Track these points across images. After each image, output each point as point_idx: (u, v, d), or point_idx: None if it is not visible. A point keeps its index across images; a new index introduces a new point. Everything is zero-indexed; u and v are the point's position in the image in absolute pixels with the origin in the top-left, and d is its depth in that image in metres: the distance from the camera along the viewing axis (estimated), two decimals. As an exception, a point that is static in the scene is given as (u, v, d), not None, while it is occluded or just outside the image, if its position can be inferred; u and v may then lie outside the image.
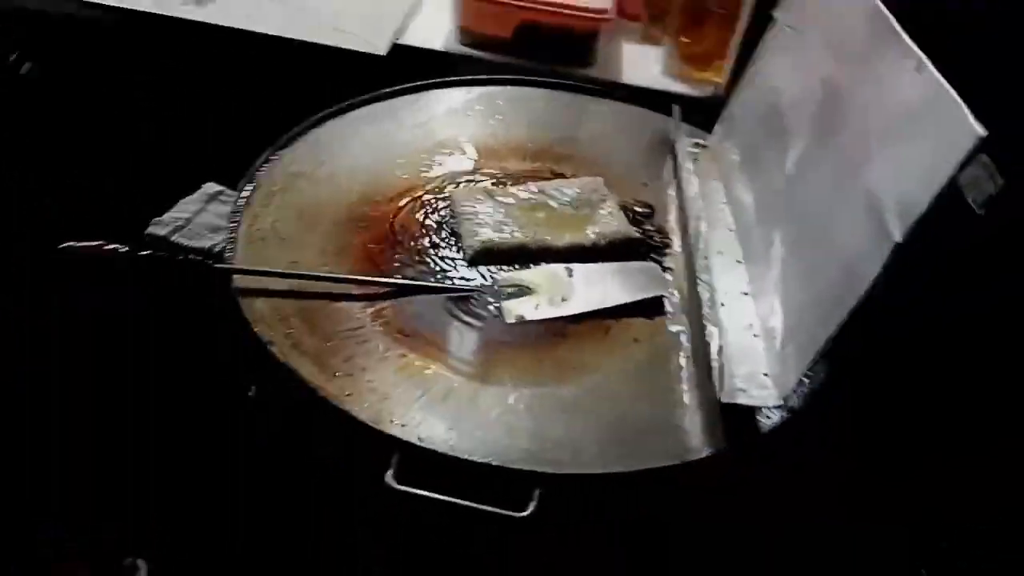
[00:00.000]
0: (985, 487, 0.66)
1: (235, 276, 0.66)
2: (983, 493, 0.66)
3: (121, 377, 0.85)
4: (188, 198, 0.80)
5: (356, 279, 0.69)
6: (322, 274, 0.69)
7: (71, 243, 0.63)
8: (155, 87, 1.02)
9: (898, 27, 0.59)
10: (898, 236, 0.52)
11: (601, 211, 0.78)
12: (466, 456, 0.56)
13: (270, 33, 0.97)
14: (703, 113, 0.92)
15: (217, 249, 0.71)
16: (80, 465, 0.84)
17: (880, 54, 0.61)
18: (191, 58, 1.00)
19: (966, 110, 0.50)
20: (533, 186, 0.80)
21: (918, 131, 0.54)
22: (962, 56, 0.53)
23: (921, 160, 0.52)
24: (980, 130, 0.48)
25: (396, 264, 0.72)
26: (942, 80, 0.53)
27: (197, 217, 0.77)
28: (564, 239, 0.75)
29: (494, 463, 0.56)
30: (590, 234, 0.76)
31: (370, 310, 0.67)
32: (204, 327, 0.75)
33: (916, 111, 0.55)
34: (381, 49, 0.98)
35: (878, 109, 0.60)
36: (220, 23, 0.98)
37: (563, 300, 0.71)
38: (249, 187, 0.76)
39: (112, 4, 0.98)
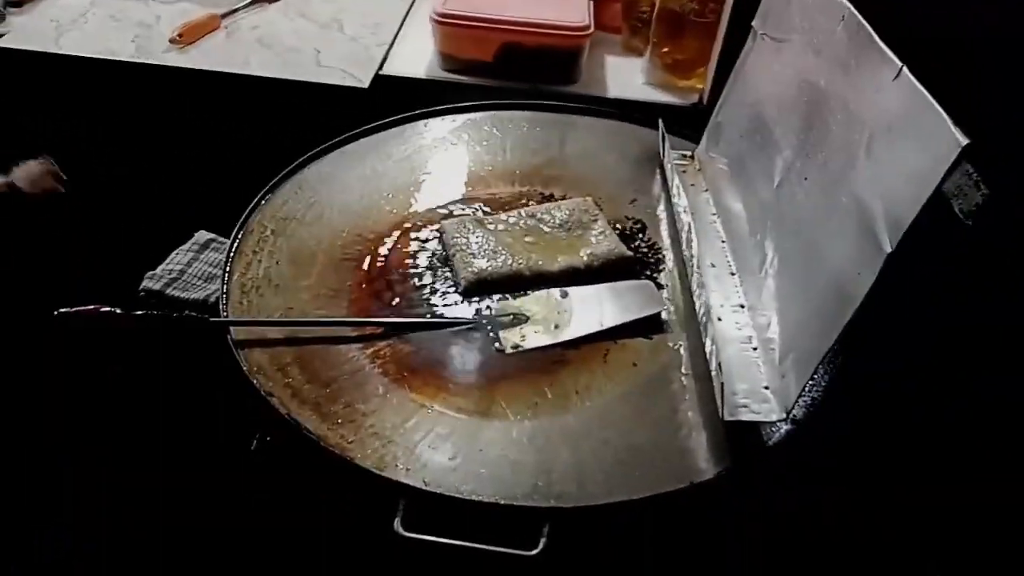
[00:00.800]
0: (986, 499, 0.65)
1: (231, 328, 0.66)
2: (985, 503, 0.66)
3: (124, 432, 0.85)
4: (180, 248, 0.81)
5: (351, 321, 0.69)
6: (317, 319, 0.69)
7: (66, 309, 0.62)
8: (140, 135, 1.02)
9: (877, 38, 0.59)
10: (889, 247, 0.52)
11: (593, 231, 0.78)
12: (472, 497, 0.56)
13: (253, 74, 0.98)
14: (688, 121, 0.91)
15: (212, 300, 0.71)
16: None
17: (860, 64, 0.61)
18: (174, 104, 1.00)
19: (947, 119, 0.50)
20: (523, 211, 0.80)
21: (901, 141, 0.54)
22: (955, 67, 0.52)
23: (906, 170, 0.52)
24: (962, 139, 0.48)
25: (392, 301, 0.71)
26: (921, 89, 0.53)
27: (190, 267, 0.77)
28: (558, 263, 0.75)
29: (501, 502, 0.56)
30: (583, 256, 0.76)
31: (368, 351, 0.67)
32: (204, 379, 0.75)
33: (898, 121, 0.55)
34: (364, 81, 0.98)
35: (861, 119, 0.60)
36: (203, 68, 0.98)
37: (560, 326, 0.70)
38: (240, 235, 0.76)
39: (93, 56, 0.99)
